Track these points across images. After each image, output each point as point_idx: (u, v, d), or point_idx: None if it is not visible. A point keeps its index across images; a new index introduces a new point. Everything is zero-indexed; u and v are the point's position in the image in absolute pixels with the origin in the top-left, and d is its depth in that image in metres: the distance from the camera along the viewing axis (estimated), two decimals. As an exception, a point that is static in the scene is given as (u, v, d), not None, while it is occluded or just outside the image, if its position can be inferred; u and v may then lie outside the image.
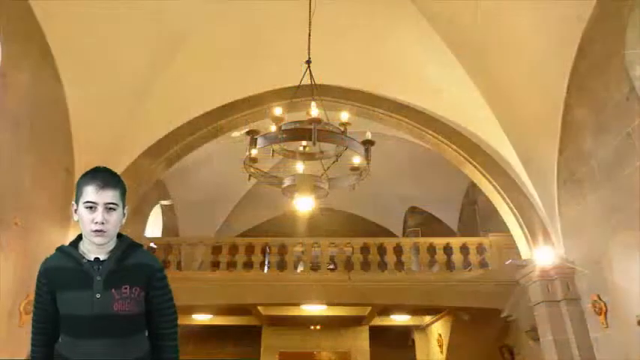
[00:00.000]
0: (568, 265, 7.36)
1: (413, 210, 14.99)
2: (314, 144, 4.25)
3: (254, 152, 4.60)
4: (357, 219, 16.16)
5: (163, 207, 12.54)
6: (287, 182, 4.62)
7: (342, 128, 4.63)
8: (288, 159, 5.28)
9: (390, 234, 15.81)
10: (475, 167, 8.88)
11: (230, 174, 11.96)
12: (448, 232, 13.73)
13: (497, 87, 7.78)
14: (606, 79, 6.36)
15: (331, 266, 9.91)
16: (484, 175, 8.78)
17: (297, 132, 4.31)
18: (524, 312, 8.34)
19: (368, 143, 4.59)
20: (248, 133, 4.55)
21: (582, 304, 7.20)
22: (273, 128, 4.54)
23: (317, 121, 4.24)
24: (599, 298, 6.67)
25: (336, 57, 8.22)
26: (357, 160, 4.78)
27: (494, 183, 8.65)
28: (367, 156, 4.60)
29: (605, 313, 6.57)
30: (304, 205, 4.67)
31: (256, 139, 4.46)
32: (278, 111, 4.65)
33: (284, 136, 4.32)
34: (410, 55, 8.13)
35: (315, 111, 4.35)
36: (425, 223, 14.52)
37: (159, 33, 7.33)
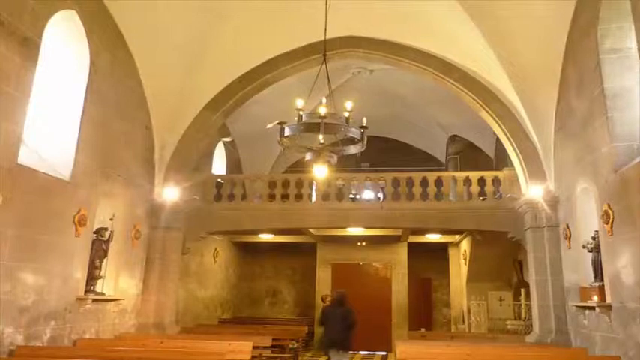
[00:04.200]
0: (551, 200, 9.71)
1: (454, 138, 16.81)
2: (322, 134, 6.55)
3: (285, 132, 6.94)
4: (401, 145, 18.39)
5: (225, 143, 15.29)
6: (308, 157, 7.02)
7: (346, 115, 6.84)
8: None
9: (434, 160, 18.11)
10: (488, 113, 10.81)
11: (281, 110, 14.12)
12: (486, 160, 15.70)
13: (503, 38, 9.14)
14: (587, 46, 7.79)
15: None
16: (496, 121, 10.74)
17: (310, 125, 6.61)
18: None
19: (364, 128, 6.82)
20: (279, 123, 6.88)
21: (559, 230, 9.55)
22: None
23: (325, 117, 6.51)
24: (567, 227, 9.01)
25: (366, 9, 9.94)
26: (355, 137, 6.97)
27: (504, 128, 10.63)
28: (362, 136, 6.82)
29: (569, 238, 8.93)
30: (320, 172, 7.08)
31: (284, 128, 6.80)
32: (300, 103, 6.89)
33: (301, 127, 6.65)
34: (431, 8, 9.44)
35: (323, 109, 6.60)
36: (465, 150, 16.39)
37: (203, 7, 9.29)
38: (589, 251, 7.86)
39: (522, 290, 12.70)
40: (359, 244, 16.09)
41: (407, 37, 10.85)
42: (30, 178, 6.89)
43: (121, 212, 9.29)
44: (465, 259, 14.99)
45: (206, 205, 11.82)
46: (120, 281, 9.39)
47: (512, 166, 11.29)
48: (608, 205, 7.10)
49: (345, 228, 13.29)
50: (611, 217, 7.02)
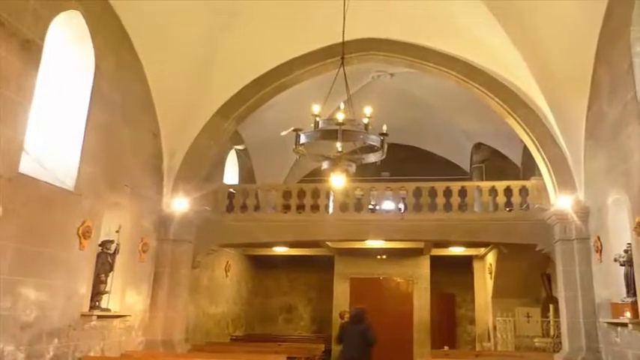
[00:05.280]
0: (581, 211, 9.53)
1: (479, 146, 16.62)
2: (339, 141, 6.41)
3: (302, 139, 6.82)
4: (423, 153, 18.22)
5: (238, 151, 15.22)
6: (324, 165, 6.87)
7: (365, 121, 6.70)
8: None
9: (457, 169, 17.92)
10: (515, 119, 10.62)
11: (296, 116, 14.03)
12: (513, 169, 15.50)
13: (530, 39, 9.05)
14: (619, 48, 7.71)
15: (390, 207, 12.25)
16: (523, 128, 10.55)
17: (328, 132, 6.48)
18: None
19: (384, 135, 6.67)
20: (294, 130, 6.75)
21: (589, 242, 9.36)
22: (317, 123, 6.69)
23: (342, 124, 6.37)
24: (598, 239, 8.82)
25: (386, 10, 9.80)
26: (375, 144, 6.82)
27: (531, 135, 10.43)
28: (382, 144, 6.67)
29: (601, 251, 8.74)
30: (338, 182, 6.94)
31: (300, 135, 6.67)
32: (316, 108, 6.78)
33: (318, 134, 6.52)
34: (454, 8, 9.36)
35: (341, 115, 6.46)
36: (490, 158, 16.21)
37: (213, 7, 9.18)
38: (621, 265, 7.70)
39: (551, 306, 12.54)
40: (378, 257, 15.91)
41: (429, 39, 10.68)
42: (32, 188, 6.85)
43: (127, 224, 9.21)
44: (490, 273, 14.80)
45: (217, 217, 11.71)
46: (126, 297, 9.31)
47: (540, 175, 11.10)
48: (642, 217, 6.93)
49: (364, 240, 13.12)
50: (645, 229, 6.85)
